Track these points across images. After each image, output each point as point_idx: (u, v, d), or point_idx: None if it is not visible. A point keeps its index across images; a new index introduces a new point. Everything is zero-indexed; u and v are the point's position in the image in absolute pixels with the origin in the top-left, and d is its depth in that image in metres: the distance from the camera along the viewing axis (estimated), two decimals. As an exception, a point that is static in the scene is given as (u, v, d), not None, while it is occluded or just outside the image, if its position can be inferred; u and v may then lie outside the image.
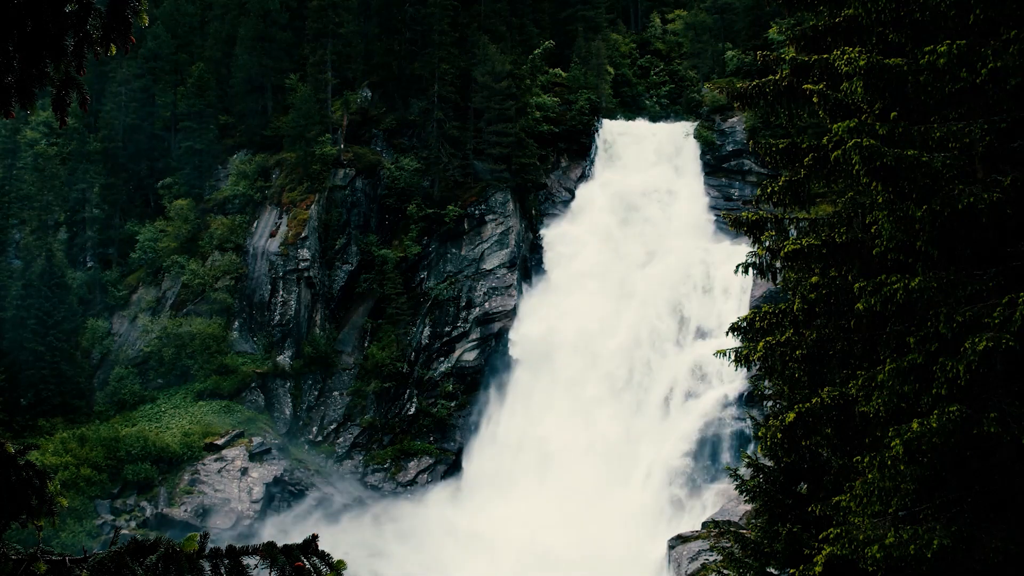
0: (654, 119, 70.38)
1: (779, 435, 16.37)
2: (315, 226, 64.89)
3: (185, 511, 55.57)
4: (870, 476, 14.69)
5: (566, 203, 67.04)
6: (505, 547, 51.87)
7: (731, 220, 19.28)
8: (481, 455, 62.09)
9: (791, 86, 18.12)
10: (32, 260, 65.20)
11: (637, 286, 61.46)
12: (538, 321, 62.77)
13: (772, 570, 20.66)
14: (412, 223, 65.75)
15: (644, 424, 57.07)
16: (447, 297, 64.50)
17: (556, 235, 65.78)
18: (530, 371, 61.84)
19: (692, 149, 67.02)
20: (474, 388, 63.61)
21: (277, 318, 64.34)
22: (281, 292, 64.52)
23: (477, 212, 65.52)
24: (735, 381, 52.76)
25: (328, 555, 5.60)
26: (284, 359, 63.69)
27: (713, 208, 64.34)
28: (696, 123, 68.10)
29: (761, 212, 19.10)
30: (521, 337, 63.03)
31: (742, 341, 18.64)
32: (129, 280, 69.00)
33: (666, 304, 60.10)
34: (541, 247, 66.05)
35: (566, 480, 55.82)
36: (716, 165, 66.66)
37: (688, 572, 43.06)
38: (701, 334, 57.96)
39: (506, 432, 61.47)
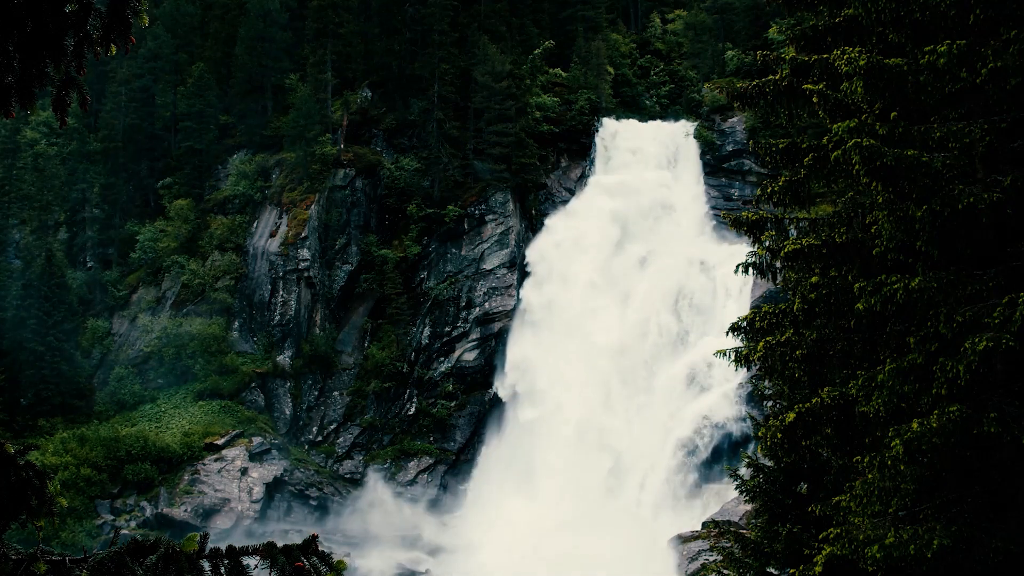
0: (654, 119, 70.34)
1: (779, 435, 16.37)
2: (315, 226, 64.88)
3: (185, 511, 55.55)
4: (870, 476, 14.69)
5: (566, 203, 67.01)
6: (504, 548, 51.84)
7: (731, 220, 19.28)
8: (480, 455, 62.17)
9: (791, 86, 18.12)
10: (32, 260, 65.16)
11: (637, 286, 61.43)
12: (536, 317, 62.83)
13: (772, 570, 20.67)
14: (412, 223, 65.76)
15: (644, 424, 57.04)
16: (447, 297, 64.51)
17: (554, 235, 65.60)
18: (529, 368, 61.77)
19: (692, 149, 67.01)
20: (474, 388, 63.63)
21: (277, 318, 64.33)
22: (281, 292, 64.51)
23: (477, 212, 65.52)
24: (735, 381, 52.73)
25: (328, 555, 5.60)
26: (284, 359, 63.69)
27: (713, 208, 64.32)
28: (696, 123, 68.09)
29: (761, 212, 19.10)
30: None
31: (742, 341, 18.64)
32: (129, 280, 68.97)
33: (666, 304, 60.07)
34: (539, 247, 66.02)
35: (565, 480, 55.77)
36: (716, 165, 66.66)
37: (688, 572, 43.06)
38: (701, 334, 57.91)
39: (506, 433, 61.47)
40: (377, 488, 60.36)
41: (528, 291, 64.51)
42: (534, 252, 65.36)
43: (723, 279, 57.34)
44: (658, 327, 59.73)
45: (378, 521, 58.11)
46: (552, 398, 59.70)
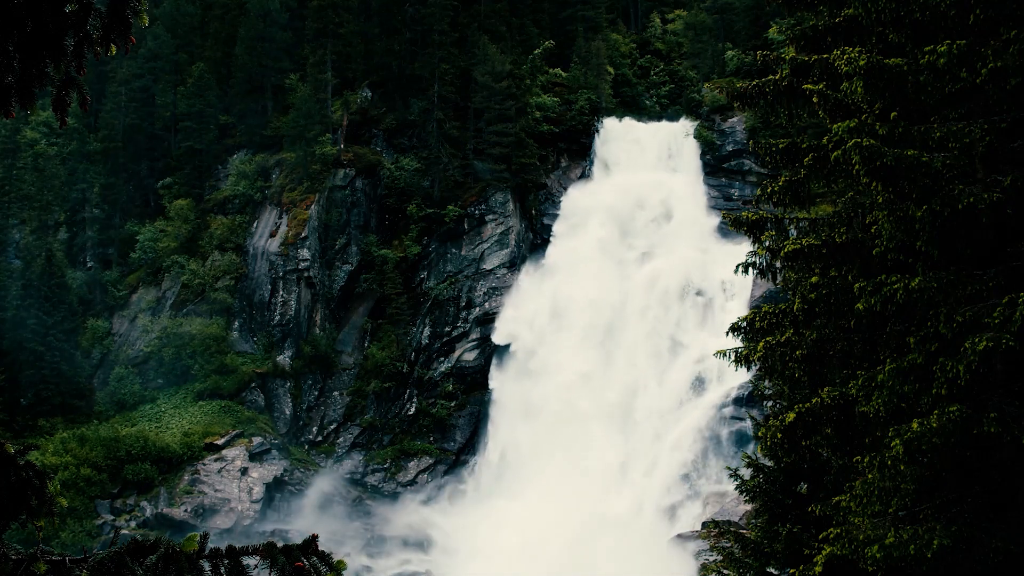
0: (654, 119, 70.30)
1: (779, 435, 16.37)
2: (315, 226, 64.90)
3: (185, 511, 55.56)
4: (870, 476, 14.69)
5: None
6: (503, 548, 51.80)
7: (731, 220, 19.27)
8: (480, 455, 62.12)
9: (791, 86, 18.12)
10: (32, 260, 65.15)
11: (636, 286, 61.36)
12: (537, 317, 62.34)
13: (772, 570, 20.67)
14: (412, 223, 65.76)
15: (644, 424, 57.00)
16: (447, 297, 64.51)
17: (529, 302, 62.92)
18: (528, 372, 61.66)
19: (692, 149, 66.93)
20: (474, 388, 63.58)
21: (277, 318, 64.34)
22: (281, 292, 64.52)
23: (477, 212, 65.52)
24: (735, 381, 52.71)
25: (328, 555, 5.60)
26: (284, 359, 63.69)
27: (713, 208, 64.24)
28: (696, 123, 68.01)
29: (761, 212, 19.10)
30: (514, 333, 62.13)
31: (742, 341, 18.63)
32: (129, 280, 68.99)
33: (666, 304, 60.02)
34: (542, 247, 65.83)
35: (564, 481, 55.70)
36: (716, 165, 66.62)
37: (688, 572, 43.03)
38: (700, 334, 57.86)
39: (504, 433, 61.41)
40: (377, 487, 60.31)
41: (501, 382, 61.42)
42: (502, 330, 61.80)
43: (723, 279, 57.29)
44: (658, 327, 59.49)
45: (378, 522, 58.10)
46: (535, 527, 52.29)
